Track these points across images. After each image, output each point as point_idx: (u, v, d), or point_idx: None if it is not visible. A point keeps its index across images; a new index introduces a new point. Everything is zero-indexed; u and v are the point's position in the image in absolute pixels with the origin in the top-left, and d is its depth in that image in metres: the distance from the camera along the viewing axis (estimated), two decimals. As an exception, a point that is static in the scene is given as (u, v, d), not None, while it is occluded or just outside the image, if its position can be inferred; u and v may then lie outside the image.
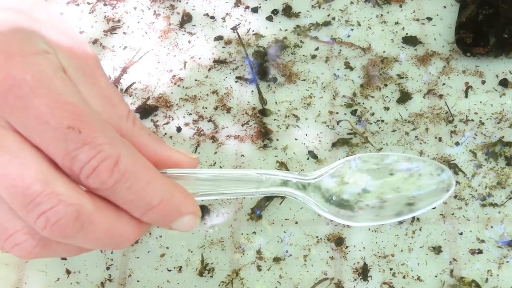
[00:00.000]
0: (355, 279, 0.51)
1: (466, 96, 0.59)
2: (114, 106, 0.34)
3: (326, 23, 0.64)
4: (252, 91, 0.60)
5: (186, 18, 0.65)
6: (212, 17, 0.65)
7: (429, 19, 0.64)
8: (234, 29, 0.64)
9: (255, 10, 0.65)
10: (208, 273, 0.52)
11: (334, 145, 0.57)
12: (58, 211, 0.30)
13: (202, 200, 0.53)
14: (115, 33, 0.64)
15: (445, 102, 0.59)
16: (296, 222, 0.54)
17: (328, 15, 0.64)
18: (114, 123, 0.34)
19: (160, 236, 0.53)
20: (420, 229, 0.53)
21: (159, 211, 0.32)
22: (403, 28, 0.63)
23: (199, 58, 0.62)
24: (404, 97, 0.59)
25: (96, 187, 0.31)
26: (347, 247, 0.52)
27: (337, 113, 0.58)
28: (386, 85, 0.60)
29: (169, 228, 0.34)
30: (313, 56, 0.62)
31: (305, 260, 0.52)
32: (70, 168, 0.30)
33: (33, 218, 0.30)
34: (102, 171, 0.30)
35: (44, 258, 0.52)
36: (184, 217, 0.34)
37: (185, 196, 0.34)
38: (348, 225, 0.53)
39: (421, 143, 0.57)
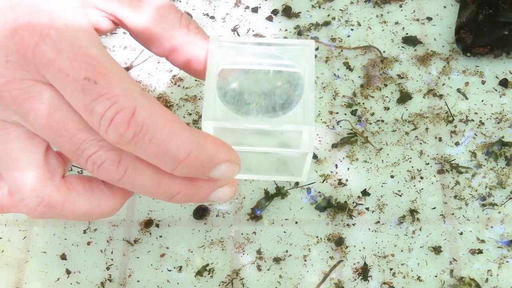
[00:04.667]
0: (355, 279, 0.51)
1: (467, 98, 0.59)
2: (162, 16, 0.35)
3: (326, 23, 0.64)
4: (252, 91, 0.60)
5: (186, 18, 0.65)
6: (212, 17, 0.65)
7: (429, 19, 0.64)
8: (234, 29, 0.64)
9: (255, 10, 0.65)
10: (208, 273, 0.52)
11: (334, 145, 0.57)
12: (100, 155, 0.32)
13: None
14: (115, 33, 0.64)
15: (445, 102, 0.59)
16: (296, 222, 0.54)
17: (328, 15, 0.64)
18: (167, 34, 0.35)
19: (160, 236, 0.53)
20: (420, 229, 0.53)
21: (189, 164, 0.32)
22: (403, 28, 0.63)
23: (199, 58, 0.62)
24: (404, 97, 0.59)
25: (117, 141, 0.31)
26: (347, 247, 0.52)
27: (337, 113, 0.58)
28: (386, 85, 0.60)
29: (209, 180, 0.34)
30: (313, 56, 0.62)
31: (305, 260, 0.52)
32: (92, 122, 0.31)
33: (83, 163, 0.32)
34: (118, 123, 0.30)
35: (44, 258, 0.52)
36: (220, 166, 0.33)
37: (217, 145, 0.33)
38: (347, 225, 0.53)
39: (421, 143, 0.57)
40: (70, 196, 0.34)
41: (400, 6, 0.65)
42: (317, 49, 0.63)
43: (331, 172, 0.56)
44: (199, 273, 0.52)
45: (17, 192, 0.33)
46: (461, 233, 0.53)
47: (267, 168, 0.39)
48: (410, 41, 0.62)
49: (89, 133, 0.32)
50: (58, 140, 0.32)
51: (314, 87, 0.36)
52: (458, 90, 0.59)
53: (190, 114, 0.59)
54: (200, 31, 0.37)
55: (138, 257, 0.53)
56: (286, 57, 0.37)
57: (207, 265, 0.52)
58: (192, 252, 0.53)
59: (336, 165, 0.56)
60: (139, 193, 0.35)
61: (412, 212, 0.54)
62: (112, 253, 0.53)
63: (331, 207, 0.54)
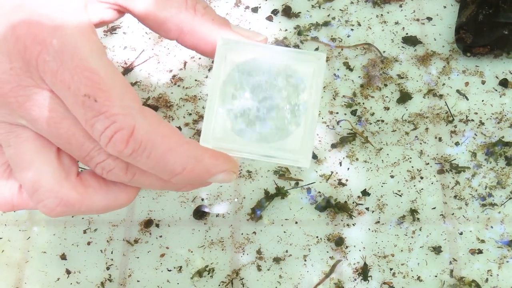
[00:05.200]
0: (355, 279, 0.51)
1: (467, 99, 0.59)
2: None
3: (326, 23, 0.64)
4: (252, 91, 0.60)
5: (186, 18, 0.65)
6: (212, 17, 0.65)
7: (429, 19, 0.64)
8: (234, 29, 0.64)
9: (255, 10, 0.65)
10: (208, 273, 0.52)
11: (334, 145, 0.57)
12: (109, 164, 0.33)
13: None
14: (115, 33, 0.64)
15: (445, 102, 0.59)
16: (296, 222, 0.54)
17: (328, 15, 0.64)
18: (173, 17, 0.35)
19: (160, 236, 0.53)
20: (420, 229, 0.53)
21: (184, 177, 0.33)
22: (403, 28, 0.63)
23: (199, 58, 0.62)
24: (404, 97, 0.59)
25: (116, 155, 0.32)
26: (347, 247, 0.52)
27: (337, 113, 0.58)
28: (386, 85, 0.60)
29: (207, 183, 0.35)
30: (313, 56, 0.62)
31: (305, 260, 0.52)
32: (92, 135, 0.32)
33: (92, 167, 0.34)
34: (117, 141, 0.31)
35: (44, 258, 0.52)
36: (217, 175, 0.34)
37: (214, 158, 0.34)
38: (347, 225, 0.53)
39: (421, 143, 0.57)
40: (87, 194, 0.34)
41: (400, 6, 0.65)
42: (316, 49, 0.63)
43: (331, 172, 0.56)
44: (199, 273, 0.52)
45: (34, 194, 0.33)
46: (461, 233, 0.53)
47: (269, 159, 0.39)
48: (410, 41, 0.62)
49: (96, 141, 0.32)
50: (66, 147, 0.33)
51: (319, 104, 0.35)
52: (459, 92, 0.59)
53: (190, 114, 0.59)
54: (208, 11, 0.37)
55: (138, 257, 0.53)
56: (296, 68, 0.36)
57: (207, 266, 0.52)
58: (192, 252, 0.53)
59: (340, 164, 0.56)
60: (150, 189, 0.36)
61: (412, 212, 0.54)
62: (112, 253, 0.53)
63: (331, 207, 0.54)
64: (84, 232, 0.54)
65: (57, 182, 0.33)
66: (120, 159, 0.33)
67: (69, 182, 0.34)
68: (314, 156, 0.56)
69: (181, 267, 0.52)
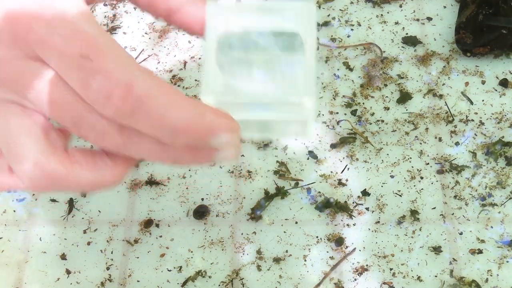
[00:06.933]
0: (355, 279, 0.51)
1: (472, 103, 0.59)
2: None
3: (326, 23, 0.64)
4: (252, 91, 0.60)
5: (186, 18, 0.65)
6: (212, 17, 0.65)
7: (429, 19, 0.64)
8: (234, 29, 0.64)
9: (255, 10, 0.65)
10: (207, 274, 0.52)
11: (334, 145, 0.57)
12: (103, 124, 0.32)
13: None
14: (115, 33, 0.64)
15: (445, 102, 0.59)
16: (296, 222, 0.54)
17: (328, 15, 0.64)
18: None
19: (160, 236, 0.53)
20: (420, 229, 0.53)
21: (188, 135, 0.32)
22: (403, 28, 0.63)
23: (199, 58, 0.62)
24: (404, 97, 0.59)
25: (115, 116, 0.31)
26: (347, 247, 0.52)
27: (337, 113, 0.58)
28: (386, 85, 0.60)
29: (212, 149, 0.34)
30: (313, 56, 0.62)
31: (305, 260, 0.52)
32: (88, 98, 0.31)
33: (85, 133, 0.33)
34: (115, 98, 0.30)
35: (44, 258, 0.52)
36: (220, 136, 0.33)
37: (217, 115, 0.32)
38: (347, 225, 0.53)
39: (421, 143, 0.57)
40: (73, 169, 0.34)
41: (400, 6, 0.65)
42: (317, 49, 0.63)
43: (331, 172, 0.56)
44: (198, 274, 0.52)
45: (19, 167, 0.33)
46: (461, 233, 0.53)
47: (270, 129, 0.39)
48: (410, 41, 0.62)
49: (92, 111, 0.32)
50: (59, 114, 0.32)
51: (315, 52, 0.36)
52: (463, 93, 0.59)
53: (190, 114, 0.59)
54: None
55: (138, 257, 0.53)
56: (287, 20, 0.36)
57: (199, 271, 0.52)
58: (192, 252, 0.53)
59: (339, 165, 0.56)
60: (145, 159, 0.34)
61: (412, 212, 0.54)
62: (112, 253, 0.53)
63: (331, 207, 0.54)
64: (84, 232, 0.54)
65: (42, 155, 0.33)
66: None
67: (55, 155, 0.34)
68: (314, 156, 0.56)
69: (181, 267, 0.52)
